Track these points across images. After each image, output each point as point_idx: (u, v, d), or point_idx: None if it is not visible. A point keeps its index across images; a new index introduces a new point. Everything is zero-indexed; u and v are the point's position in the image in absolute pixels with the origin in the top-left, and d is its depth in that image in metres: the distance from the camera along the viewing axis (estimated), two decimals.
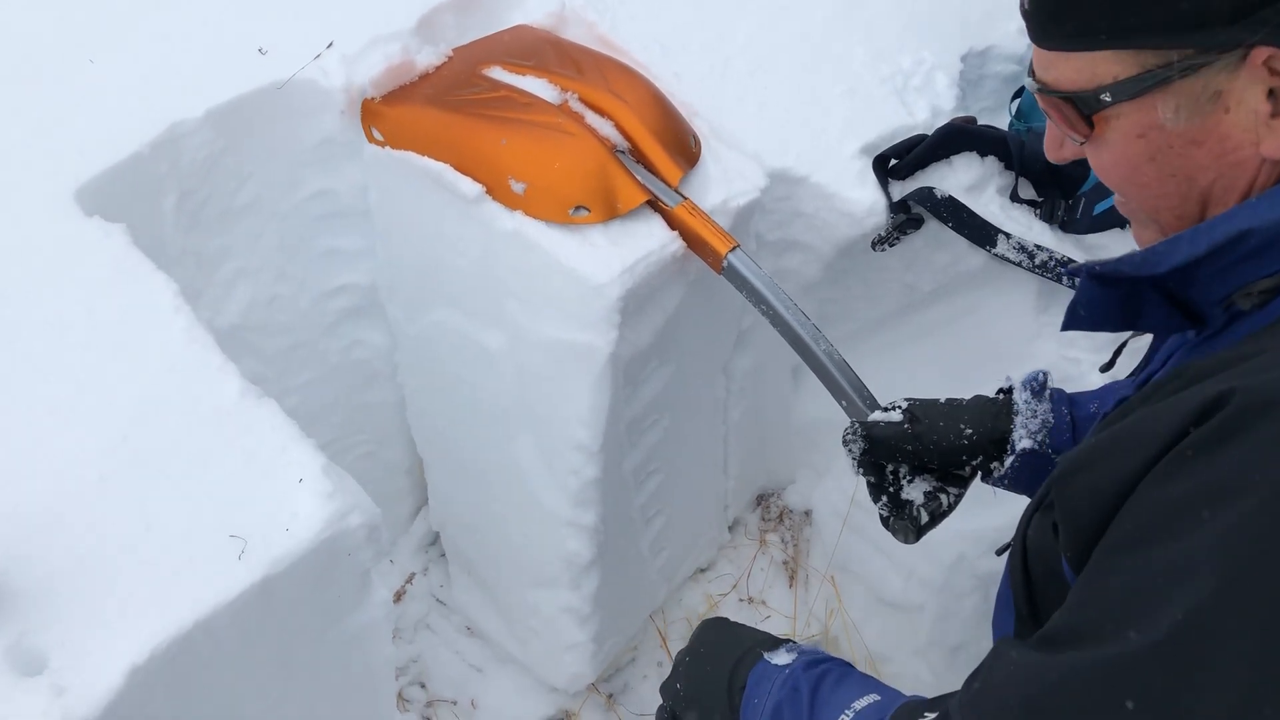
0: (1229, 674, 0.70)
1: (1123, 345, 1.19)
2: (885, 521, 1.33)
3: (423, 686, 2.16)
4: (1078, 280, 0.96)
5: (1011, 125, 1.99)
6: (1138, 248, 0.94)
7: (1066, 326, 1.01)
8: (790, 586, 2.28)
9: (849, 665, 1.13)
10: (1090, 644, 0.76)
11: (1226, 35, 0.80)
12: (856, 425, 1.30)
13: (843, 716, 1.04)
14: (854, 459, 1.31)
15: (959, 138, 1.87)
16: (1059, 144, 0.97)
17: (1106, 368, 1.21)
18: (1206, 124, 0.85)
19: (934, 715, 0.93)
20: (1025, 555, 1.01)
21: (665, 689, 1.25)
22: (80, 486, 1.23)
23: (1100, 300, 0.95)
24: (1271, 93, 0.82)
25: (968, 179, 1.86)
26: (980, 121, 1.94)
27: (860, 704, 1.04)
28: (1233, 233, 0.83)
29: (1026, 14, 0.91)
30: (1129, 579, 0.75)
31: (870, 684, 1.09)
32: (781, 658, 1.15)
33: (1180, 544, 0.72)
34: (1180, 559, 0.72)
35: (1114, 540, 0.79)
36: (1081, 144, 0.93)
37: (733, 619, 1.28)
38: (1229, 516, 0.71)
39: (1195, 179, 0.88)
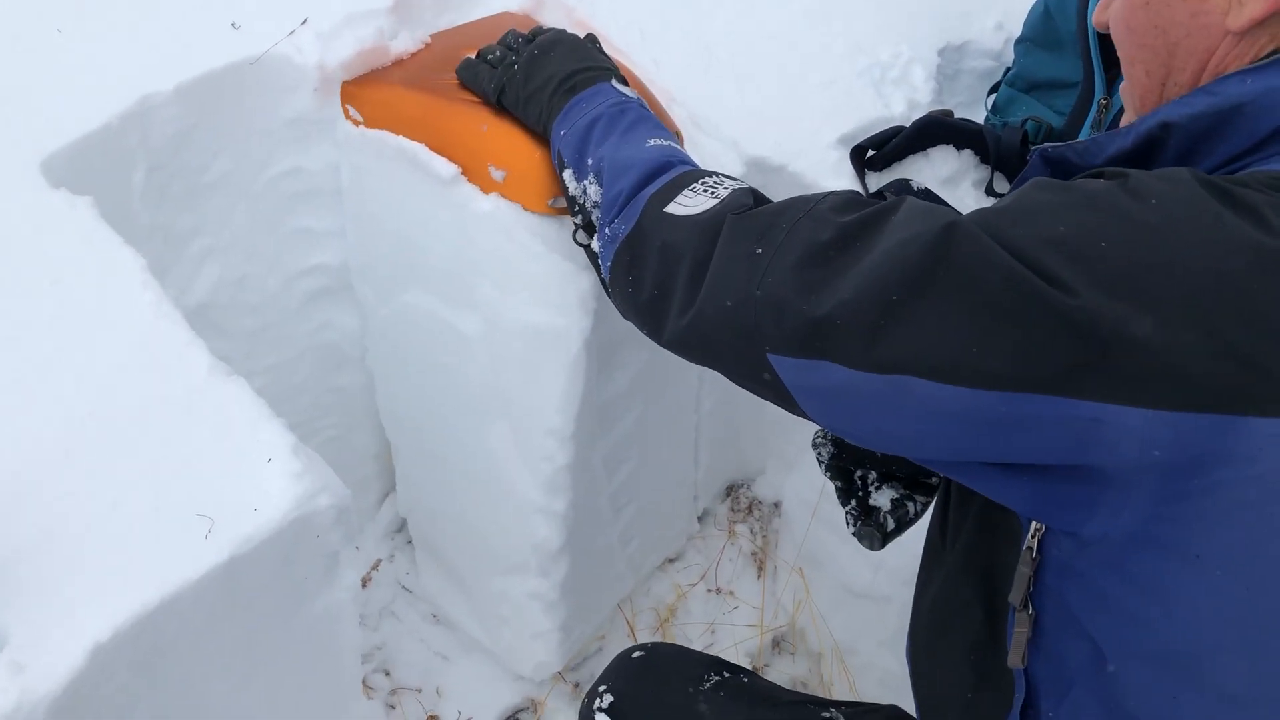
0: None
1: None
2: (852, 527, 1.33)
3: (387, 674, 2.14)
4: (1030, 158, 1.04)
5: (987, 119, 2.00)
6: None
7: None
8: (759, 577, 2.28)
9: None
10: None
11: None
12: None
13: (651, 141, 1.17)
14: (822, 463, 1.31)
15: (936, 130, 1.87)
16: (1105, 4, 1.04)
17: None
18: None
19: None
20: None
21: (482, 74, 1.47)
22: (44, 462, 1.20)
23: None
24: None
25: (944, 171, 1.86)
26: (957, 115, 1.95)
27: (673, 143, 1.18)
28: (1155, 124, 0.92)
29: None
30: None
31: (668, 134, 1.22)
32: (629, 90, 1.28)
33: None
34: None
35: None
36: None
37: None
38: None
39: (1169, 34, 0.95)
